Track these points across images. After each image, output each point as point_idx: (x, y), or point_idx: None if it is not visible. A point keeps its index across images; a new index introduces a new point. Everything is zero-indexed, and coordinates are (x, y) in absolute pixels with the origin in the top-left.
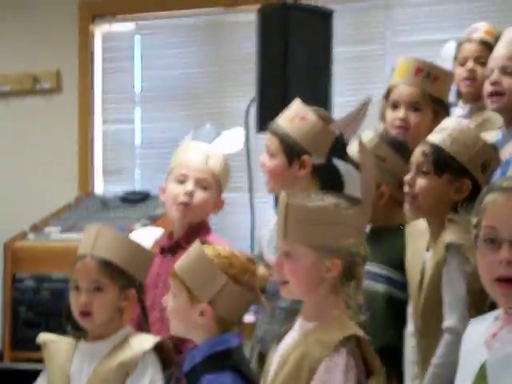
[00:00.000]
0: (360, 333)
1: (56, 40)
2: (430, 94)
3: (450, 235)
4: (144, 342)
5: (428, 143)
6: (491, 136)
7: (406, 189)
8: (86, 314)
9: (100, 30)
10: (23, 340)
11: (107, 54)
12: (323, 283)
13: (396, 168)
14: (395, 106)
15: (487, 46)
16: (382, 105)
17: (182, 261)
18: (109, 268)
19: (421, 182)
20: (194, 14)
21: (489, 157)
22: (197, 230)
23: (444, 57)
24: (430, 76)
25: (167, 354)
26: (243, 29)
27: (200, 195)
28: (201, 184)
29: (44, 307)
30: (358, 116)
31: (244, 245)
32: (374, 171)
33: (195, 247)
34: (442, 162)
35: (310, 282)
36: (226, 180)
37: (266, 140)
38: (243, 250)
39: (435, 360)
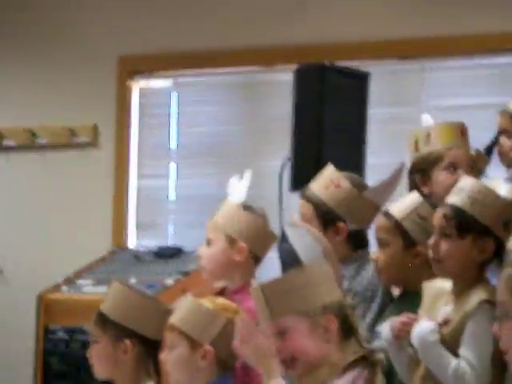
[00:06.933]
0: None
1: (94, 95)
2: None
3: (483, 293)
4: None
5: (448, 205)
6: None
7: (431, 253)
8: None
9: (138, 86)
10: None
11: (144, 109)
12: (326, 346)
13: None
14: (454, 169)
15: None
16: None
17: (178, 313)
18: (101, 319)
19: (445, 245)
20: (230, 72)
21: (510, 214)
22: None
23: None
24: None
25: None
26: (279, 88)
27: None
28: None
29: (75, 359)
30: (391, 183)
31: None
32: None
33: (188, 299)
34: (465, 224)
35: (314, 348)
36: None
37: (299, 206)
38: None
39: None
